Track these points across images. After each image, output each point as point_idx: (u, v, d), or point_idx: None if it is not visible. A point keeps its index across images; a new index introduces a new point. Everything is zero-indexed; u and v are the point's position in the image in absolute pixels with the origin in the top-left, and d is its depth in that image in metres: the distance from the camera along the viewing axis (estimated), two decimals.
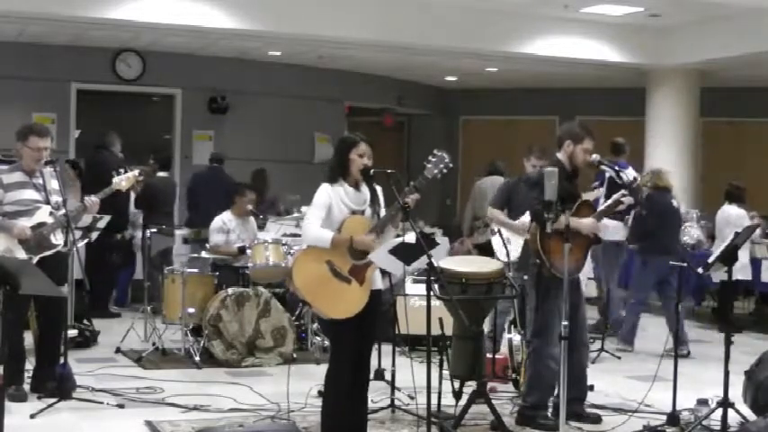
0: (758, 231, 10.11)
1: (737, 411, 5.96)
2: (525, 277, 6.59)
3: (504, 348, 7.41)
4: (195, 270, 8.61)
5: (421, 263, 5.11)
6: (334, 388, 5.29)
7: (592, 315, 9.55)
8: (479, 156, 13.42)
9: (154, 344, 8.33)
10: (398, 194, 5.15)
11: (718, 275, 8.48)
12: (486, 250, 8.25)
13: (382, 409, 6.34)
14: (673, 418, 6.11)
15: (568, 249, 5.44)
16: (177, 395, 6.76)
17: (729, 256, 6.11)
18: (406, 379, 6.34)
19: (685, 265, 6.62)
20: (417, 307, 7.70)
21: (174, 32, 11.44)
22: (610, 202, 6.48)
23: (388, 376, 6.64)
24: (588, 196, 6.36)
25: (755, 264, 10.59)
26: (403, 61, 13.73)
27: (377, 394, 6.34)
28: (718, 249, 6.70)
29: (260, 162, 13.00)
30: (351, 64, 14.27)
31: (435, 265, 5.07)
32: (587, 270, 8.22)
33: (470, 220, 9.74)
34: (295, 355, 8.17)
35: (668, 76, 13.19)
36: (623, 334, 9.30)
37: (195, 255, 9.15)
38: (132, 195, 10.65)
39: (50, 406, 6.24)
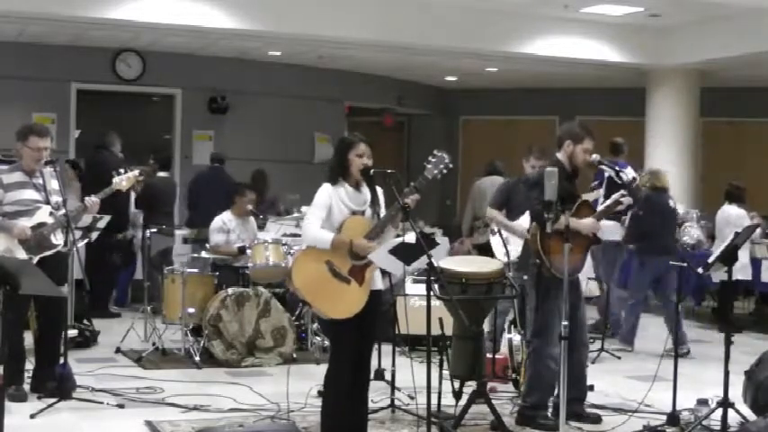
0: (758, 231, 10.10)
1: (737, 411, 5.96)
2: (525, 277, 6.59)
3: (504, 348, 7.41)
4: (195, 270, 8.61)
5: (421, 263, 5.11)
6: (334, 388, 5.29)
7: (592, 315, 9.58)
8: (479, 156, 13.43)
9: (154, 344, 8.33)
10: (398, 195, 5.15)
11: (718, 275, 8.48)
12: (486, 250, 8.25)
13: (382, 409, 6.34)
14: (673, 418, 6.11)
15: (568, 249, 5.44)
16: (177, 395, 6.76)
17: (729, 256, 6.11)
18: (406, 379, 6.34)
19: (685, 265, 6.62)
20: (417, 307, 7.70)
21: (174, 32, 11.44)
22: (609, 202, 6.47)
23: (388, 376, 6.64)
24: (588, 197, 6.36)
25: (755, 264, 10.59)
26: (403, 61, 13.74)
27: (377, 394, 6.33)
28: (718, 249, 6.70)
29: (260, 162, 13.00)
30: (351, 64, 14.28)
31: (435, 265, 5.07)
32: (588, 270, 8.23)
33: (470, 220, 9.74)
34: (295, 355, 8.17)
35: (668, 76, 13.20)
36: (623, 334, 9.31)
37: (195, 255, 9.15)
38: (133, 195, 10.67)
39: (50, 406, 6.24)
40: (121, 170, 6.86)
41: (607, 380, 7.58)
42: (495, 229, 7.91)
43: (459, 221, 11.88)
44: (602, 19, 12.30)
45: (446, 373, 6.34)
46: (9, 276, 4.88)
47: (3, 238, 6.44)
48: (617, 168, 6.88)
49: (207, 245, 8.93)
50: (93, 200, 6.65)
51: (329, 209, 5.25)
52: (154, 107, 14.27)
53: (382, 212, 5.33)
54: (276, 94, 14.25)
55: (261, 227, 9.86)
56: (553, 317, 5.95)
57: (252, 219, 9.25)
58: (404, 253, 5.07)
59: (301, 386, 6.55)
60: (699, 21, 12.07)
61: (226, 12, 10.94)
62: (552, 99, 15.91)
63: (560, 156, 6.21)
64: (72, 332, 8.16)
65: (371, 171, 5.29)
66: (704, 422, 5.98)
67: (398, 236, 5.29)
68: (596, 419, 6.32)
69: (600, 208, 6.49)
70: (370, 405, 5.70)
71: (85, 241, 8.27)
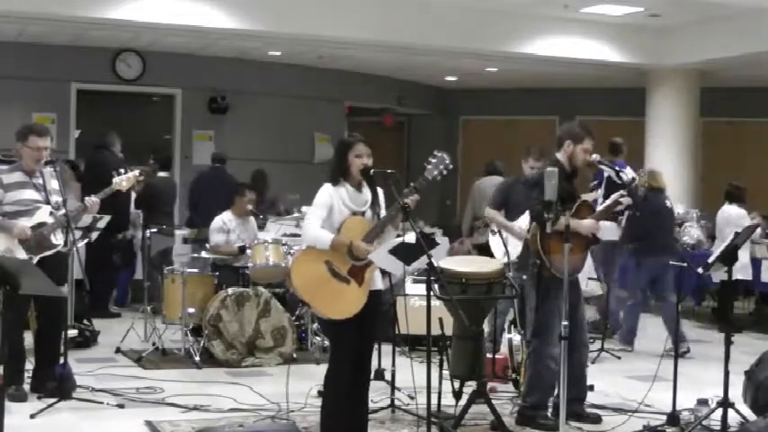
0: (758, 231, 10.10)
1: (737, 411, 5.96)
2: (524, 277, 6.59)
3: (504, 348, 7.41)
4: (195, 270, 8.61)
5: (421, 263, 5.11)
6: (334, 388, 5.29)
7: (592, 315, 9.58)
8: (479, 156, 13.42)
9: (154, 344, 8.33)
10: (398, 195, 5.15)
11: (718, 275, 8.47)
12: (485, 250, 8.25)
13: (382, 409, 6.34)
14: (673, 418, 6.11)
15: (568, 249, 5.44)
16: (177, 395, 6.76)
17: (729, 256, 6.11)
18: (406, 379, 6.34)
19: (685, 265, 6.62)
20: (417, 307, 7.70)
21: (174, 32, 11.45)
22: (609, 202, 6.47)
23: (388, 376, 6.64)
24: (587, 197, 6.36)
25: (755, 264, 10.58)
26: (403, 61, 13.74)
27: (377, 394, 6.33)
28: (718, 249, 6.70)
29: (260, 162, 13.00)
30: (351, 64, 14.28)
31: (435, 265, 5.07)
32: (589, 270, 8.23)
33: (470, 220, 9.73)
34: (295, 355, 8.17)
35: (668, 76, 13.20)
36: (623, 335, 9.31)
37: (195, 255, 9.16)
38: (133, 195, 10.67)
39: (50, 406, 6.24)
40: (121, 170, 6.85)
41: (607, 380, 7.58)
42: (496, 230, 7.91)
43: (459, 221, 11.88)
44: (602, 19, 12.30)
45: (446, 373, 6.34)
46: (9, 276, 4.88)
47: (3, 238, 6.44)
48: (617, 168, 6.88)
49: (207, 245, 8.93)
50: (93, 200, 6.65)
51: (330, 209, 5.25)
52: (154, 107, 14.27)
53: (383, 213, 5.33)
54: (276, 94, 14.25)
55: (261, 227, 9.87)
56: (553, 317, 5.95)
57: (252, 219, 9.25)
58: (404, 253, 5.07)
59: (301, 386, 6.55)
60: (699, 21, 12.08)
61: (226, 12, 10.94)
62: (552, 99, 15.91)
63: (560, 156, 6.21)
64: (72, 332, 8.16)
65: (371, 171, 5.29)
66: (704, 422, 5.98)
67: (398, 236, 5.29)
68: (596, 419, 6.32)
69: (599, 208, 6.48)
70: (370, 405, 5.70)
71: (85, 241, 8.27)
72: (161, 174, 11.24)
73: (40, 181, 6.61)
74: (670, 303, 9.05)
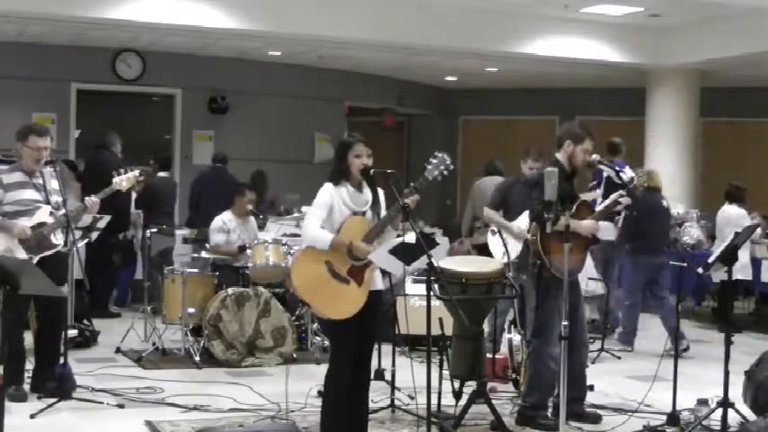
0: (758, 231, 10.10)
1: (737, 411, 5.96)
2: (524, 277, 6.59)
3: (504, 348, 7.41)
4: (195, 270, 8.61)
5: (421, 263, 5.12)
6: (334, 388, 5.29)
7: (592, 315, 9.58)
8: (479, 156, 13.43)
9: (154, 344, 8.33)
10: (398, 195, 5.15)
11: (718, 275, 8.47)
12: (485, 250, 8.25)
13: (382, 409, 6.34)
14: (673, 418, 6.11)
15: (568, 249, 5.44)
16: (177, 395, 6.76)
17: (729, 256, 6.11)
18: (406, 379, 6.34)
19: (685, 265, 6.62)
20: (417, 307, 7.70)
21: (174, 32, 11.45)
22: (608, 202, 6.46)
23: (388, 376, 6.64)
24: (586, 197, 6.36)
25: (755, 264, 10.58)
26: (403, 61, 13.74)
27: (377, 394, 6.33)
28: (718, 249, 6.70)
29: (260, 162, 13.01)
30: (351, 64, 14.28)
31: (435, 265, 5.07)
32: (590, 270, 8.23)
33: (470, 220, 9.74)
34: (295, 355, 8.17)
35: (668, 76, 13.20)
36: (622, 335, 9.31)
37: (195, 255, 9.16)
38: (134, 195, 10.67)
39: (50, 406, 6.24)
40: (121, 170, 6.85)
41: (607, 380, 7.58)
42: (496, 229, 7.91)
43: (458, 221, 11.88)
44: (602, 19, 12.30)
45: (446, 373, 6.34)
46: (9, 276, 4.88)
47: (3, 238, 6.44)
48: (617, 168, 6.88)
49: (207, 245, 8.94)
50: (93, 200, 6.65)
51: (330, 209, 5.25)
52: (154, 107, 14.27)
53: (383, 213, 5.33)
54: (276, 94, 14.25)
55: (261, 227, 9.87)
56: (553, 317, 5.95)
57: (252, 219, 9.25)
58: (404, 253, 5.07)
59: (301, 386, 6.55)
60: (699, 21, 12.08)
61: (226, 12, 10.94)
62: (552, 99, 15.91)
63: (560, 156, 6.21)
64: (72, 332, 8.16)
65: (371, 171, 5.30)
66: (704, 422, 5.98)
67: (398, 236, 5.29)
68: (596, 419, 6.32)
69: (599, 208, 6.48)
70: (370, 405, 5.70)
71: (85, 241, 8.28)
72: (161, 174, 11.25)
73: (40, 181, 6.61)
74: (667, 303, 9.07)
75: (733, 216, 10.36)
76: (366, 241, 5.22)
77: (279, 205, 12.38)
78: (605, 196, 7.60)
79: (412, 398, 6.42)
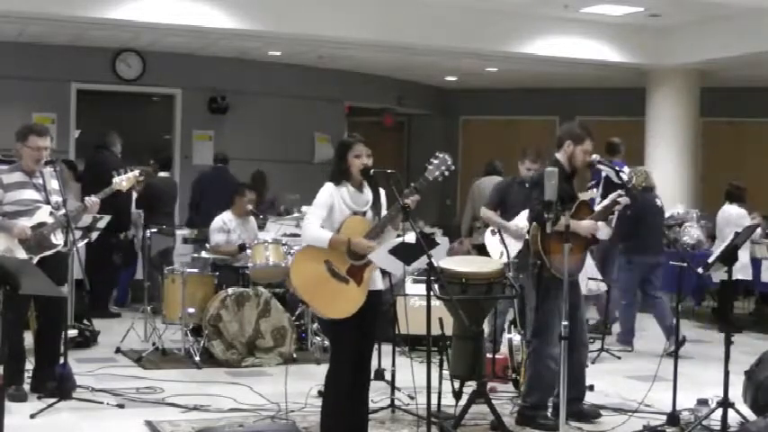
0: (758, 231, 10.10)
1: (737, 411, 5.96)
2: (521, 276, 6.59)
3: (504, 348, 7.41)
4: (195, 270, 8.61)
5: (421, 263, 5.12)
6: (335, 388, 5.29)
7: (592, 315, 9.58)
8: (479, 156, 13.43)
9: (154, 344, 8.33)
10: (398, 195, 5.15)
11: (718, 275, 8.47)
12: (485, 250, 8.25)
13: (382, 409, 6.34)
14: (673, 418, 6.11)
15: (568, 249, 5.44)
16: (177, 395, 6.76)
17: (729, 256, 6.11)
18: (406, 379, 6.34)
19: (685, 265, 6.62)
20: (417, 307, 7.70)
21: (174, 32, 11.45)
22: (607, 202, 6.46)
23: (388, 376, 6.64)
24: (583, 196, 6.36)
25: (755, 264, 10.58)
26: (403, 61, 13.74)
27: (377, 394, 6.33)
28: (718, 249, 6.70)
29: (260, 162, 13.02)
30: (351, 64, 14.28)
31: (435, 265, 5.07)
32: (591, 270, 8.23)
33: (470, 220, 9.74)
34: (295, 355, 8.17)
35: (668, 76, 13.20)
36: (621, 336, 9.31)
37: (195, 255, 9.16)
38: (134, 195, 10.67)
39: (50, 406, 6.24)
40: (121, 170, 6.86)
41: (607, 380, 7.58)
42: (497, 229, 7.91)
43: (458, 221, 11.88)
44: (602, 19, 12.30)
45: (446, 373, 6.34)
46: (9, 276, 4.88)
47: (3, 238, 6.44)
48: (617, 168, 6.88)
49: (207, 245, 8.94)
50: (93, 200, 6.65)
51: (330, 208, 5.26)
52: (154, 107, 14.27)
53: (383, 214, 5.33)
54: (276, 94, 14.25)
55: (261, 227, 9.87)
56: (553, 317, 5.95)
57: (252, 219, 9.25)
58: (404, 253, 5.07)
59: (301, 386, 6.55)
60: (699, 21, 12.08)
61: (226, 12, 10.94)
62: (552, 99, 15.91)
63: (560, 156, 6.21)
64: (72, 332, 8.16)
65: (371, 171, 5.30)
66: (704, 422, 5.98)
67: (398, 236, 5.30)
68: (596, 414, 6.33)
69: (597, 208, 6.48)
70: (371, 405, 5.70)
71: (85, 241, 8.28)
72: (161, 174, 11.25)
73: (40, 181, 6.61)
74: (660, 302, 9.09)
75: (733, 216, 10.36)
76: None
77: (279, 205, 12.38)
78: (604, 196, 7.60)
79: (412, 398, 6.42)
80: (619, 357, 8.77)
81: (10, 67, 12.46)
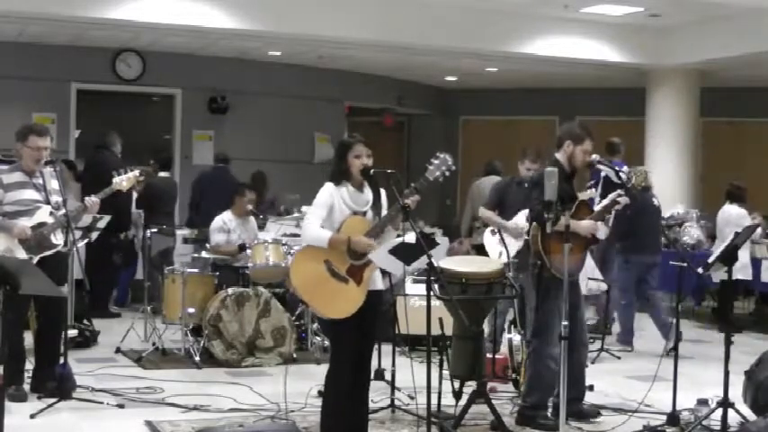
0: (758, 231, 10.10)
1: (737, 411, 5.96)
2: (521, 276, 6.59)
3: (504, 348, 7.41)
4: (195, 270, 8.61)
5: (421, 263, 5.12)
6: (335, 388, 5.29)
7: (589, 315, 9.57)
8: (479, 156, 13.43)
9: (154, 344, 8.33)
10: (399, 195, 5.15)
11: (718, 275, 8.47)
12: (485, 251, 8.25)
13: (382, 409, 6.34)
14: (673, 418, 6.11)
15: (568, 249, 5.44)
16: (177, 395, 6.76)
17: (729, 256, 6.11)
18: (406, 379, 6.34)
19: (685, 265, 6.61)
20: (417, 307, 7.70)
21: (174, 32, 11.45)
22: (606, 202, 6.46)
23: (388, 376, 6.64)
24: (582, 196, 6.36)
25: (755, 264, 10.58)
26: (403, 61, 13.74)
27: (377, 394, 6.33)
28: (718, 249, 6.70)
29: (260, 162, 13.02)
30: (351, 64, 14.28)
31: (435, 265, 5.07)
32: (592, 270, 8.23)
33: (469, 220, 9.75)
34: (295, 355, 8.17)
35: (668, 76, 13.20)
36: (621, 335, 9.31)
37: (195, 255, 9.16)
38: (134, 195, 10.67)
39: (50, 406, 6.24)
40: (121, 170, 6.86)
41: (607, 380, 7.58)
42: (497, 229, 7.91)
43: (458, 221, 11.89)
44: (602, 19, 12.30)
45: (446, 373, 6.34)
46: (9, 276, 4.88)
47: (3, 238, 6.44)
48: (617, 168, 6.88)
49: (207, 245, 8.94)
50: (93, 200, 6.65)
51: (330, 208, 5.26)
52: (154, 107, 14.27)
53: (384, 214, 5.33)
54: (276, 94, 14.25)
55: (261, 227, 9.87)
56: (553, 317, 5.95)
57: (252, 219, 9.25)
58: (404, 253, 5.07)
59: (301, 386, 6.55)
60: (699, 21, 12.08)
61: (226, 12, 10.94)
62: (552, 99, 15.91)
63: (560, 156, 6.21)
64: (72, 332, 8.16)
65: (371, 171, 5.30)
66: (704, 422, 5.98)
67: (398, 236, 5.30)
68: (596, 413, 6.33)
69: (597, 208, 6.49)
70: (371, 405, 5.70)
71: (85, 241, 8.27)
72: (162, 174, 11.25)
73: (40, 181, 6.61)
74: (657, 303, 9.09)
75: (733, 216, 10.36)
76: None
77: (279, 205, 12.38)
78: (603, 196, 7.60)
79: (412, 398, 6.42)
80: (619, 357, 8.77)
81: (10, 67, 12.46)
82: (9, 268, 4.95)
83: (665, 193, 11.38)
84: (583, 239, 6.14)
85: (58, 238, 6.57)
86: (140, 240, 10.87)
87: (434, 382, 5.26)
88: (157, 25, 10.91)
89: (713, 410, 5.98)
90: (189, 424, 6.02)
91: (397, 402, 6.41)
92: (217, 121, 13.98)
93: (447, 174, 5.38)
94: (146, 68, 13.33)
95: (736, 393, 6.15)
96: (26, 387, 6.62)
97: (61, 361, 6.50)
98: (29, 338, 6.94)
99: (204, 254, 8.78)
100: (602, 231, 9.07)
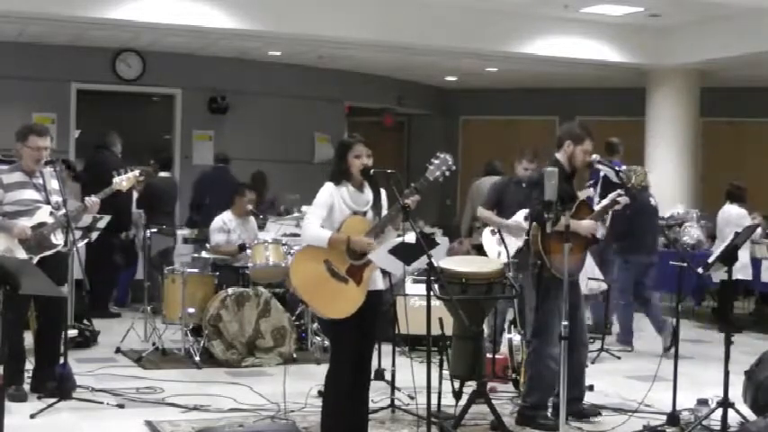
0: (758, 231, 10.10)
1: (737, 411, 5.96)
2: (520, 275, 6.59)
3: (504, 348, 7.41)
4: (195, 270, 8.61)
5: (421, 263, 5.12)
6: (335, 388, 5.29)
7: (591, 315, 9.57)
8: (479, 156, 13.43)
9: (154, 344, 8.33)
10: (399, 195, 5.15)
11: (718, 275, 8.48)
12: (485, 251, 8.25)
13: (382, 409, 6.34)
14: (673, 418, 6.11)
15: (568, 249, 5.44)
16: (177, 395, 6.76)
17: (729, 256, 6.11)
18: (406, 379, 6.34)
19: (685, 265, 6.61)
20: (417, 307, 7.70)
21: (174, 32, 11.45)
22: (606, 202, 6.46)
23: (388, 376, 6.64)
24: (581, 195, 6.37)
25: (755, 264, 10.58)
26: (403, 61, 13.74)
27: (377, 394, 6.33)
28: (718, 249, 6.69)
29: (260, 162, 13.02)
30: (351, 64, 14.28)
31: (435, 265, 5.07)
32: (592, 270, 8.22)
33: (469, 220, 9.74)
34: (295, 355, 8.18)
35: (668, 76, 13.20)
36: (620, 336, 9.31)
37: (196, 255, 9.16)
38: (135, 195, 10.67)
39: (50, 406, 6.24)
40: (121, 170, 6.86)
41: (607, 380, 7.58)
42: (497, 229, 7.91)
43: (458, 221, 11.89)
44: (602, 19, 12.31)
45: (446, 373, 6.34)
46: (9, 276, 4.88)
47: (3, 238, 6.44)
48: (616, 168, 6.88)
49: (207, 245, 8.94)
50: (93, 200, 6.65)
51: (330, 208, 5.26)
52: (154, 107, 14.27)
53: (384, 214, 5.33)
54: (276, 94, 14.25)
55: (261, 227, 9.87)
56: (553, 317, 5.95)
57: (252, 219, 9.26)
58: (404, 253, 5.07)
59: (301, 386, 6.56)
60: (699, 21, 12.08)
61: (226, 12, 10.94)
62: (552, 99, 15.91)
63: (559, 156, 6.21)
64: (72, 332, 8.16)
65: (371, 171, 5.30)
66: (704, 422, 5.98)
67: (399, 236, 5.30)
68: (596, 412, 6.33)
69: (597, 208, 6.49)
70: (371, 405, 5.70)
71: (85, 241, 8.27)
72: (162, 174, 11.25)
73: (40, 181, 6.61)
74: (653, 303, 9.08)
75: (733, 216, 10.36)
76: None
77: (279, 205, 12.38)
78: (603, 196, 7.60)
79: (412, 398, 6.42)
80: (618, 357, 8.77)
81: (10, 67, 12.46)
82: (9, 268, 4.95)
83: (665, 193, 11.38)
84: (583, 239, 6.14)
85: (58, 238, 6.57)
86: (140, 240, 10.87)
87: (434, 382, 5.26)
88: (157, 25, 10.91)
89: (713, 410, 5.98)
90: (189, 424, 6.02)
91: (397, 402, 6.41)
92: (217, 121, 13.98)
93: (447, 174, 5.38)
94: (146, 68, 13.33)
95: (736, 393, 6.15)
96: (26, 387, 6.62)
97: (61, 361, 6.50)
98: (29, 338, 6.94)
99: (204, 254, 8.78)
100: (600, 231, 9.09)
